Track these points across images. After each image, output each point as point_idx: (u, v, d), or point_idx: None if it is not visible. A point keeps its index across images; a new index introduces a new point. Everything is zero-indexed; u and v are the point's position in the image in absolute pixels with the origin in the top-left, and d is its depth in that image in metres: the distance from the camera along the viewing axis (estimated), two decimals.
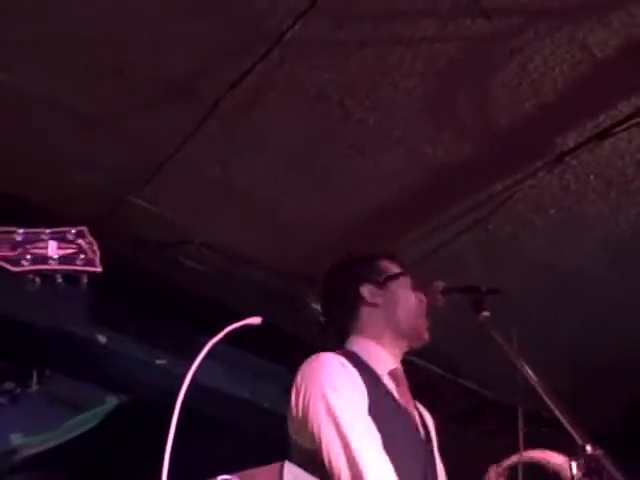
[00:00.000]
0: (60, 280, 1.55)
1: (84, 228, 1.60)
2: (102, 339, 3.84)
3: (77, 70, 2.88)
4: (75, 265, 1.55)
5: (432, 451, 2.17)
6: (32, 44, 2.79)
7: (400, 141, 3.10)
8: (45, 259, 1.52)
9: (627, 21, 2.60)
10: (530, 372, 1.88)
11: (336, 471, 1.87)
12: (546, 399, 1.80)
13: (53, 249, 1.53)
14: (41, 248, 1.53)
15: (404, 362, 2.29)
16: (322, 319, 2.59)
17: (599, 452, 1.66)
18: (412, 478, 1.91)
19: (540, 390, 1.83)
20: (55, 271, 1.54)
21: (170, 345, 4.03)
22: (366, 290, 2.27)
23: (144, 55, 2.81)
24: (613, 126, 2.97)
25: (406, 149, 3.14)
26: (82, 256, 1.56)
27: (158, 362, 4.04)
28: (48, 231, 1.55)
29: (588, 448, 1.67)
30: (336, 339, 2.29)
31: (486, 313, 2.08)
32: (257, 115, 3.05)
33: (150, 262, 3.79)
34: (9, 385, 3.76)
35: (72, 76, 2.91)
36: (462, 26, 2.63)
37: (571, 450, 1.72)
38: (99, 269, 1.57)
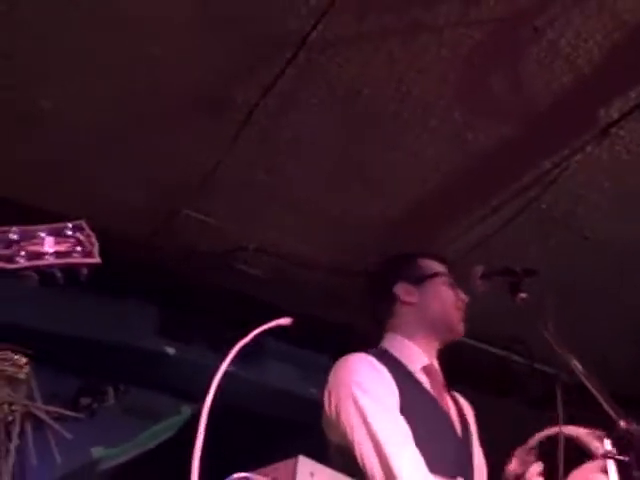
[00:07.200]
0: (59, 275, 1.50)
1: (82, 222, 1.55)
2: (170, 350, 3.94)
3: (115, 90, 2.97)
4: (72, 258, 1.50)
5: (469, 443, 2.15)
6: (71, 70, 2.90)
7: (438, 130, 3.07)
8: (41, 255, 1.49)
9: None
10: (566, 350, 1.85)
11: (369, 471, 1.90)
12: (581, 376, 1.77)
13: (49, 244, 1.50)
14: (37, 244, 1.49)
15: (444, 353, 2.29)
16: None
17: (634, 427, 1.62)
18: (446, 472, 1.91)
19: (575, 366, 1.79)
20: (52, 265, 1.50)
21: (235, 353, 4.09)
22: (401, 288, 2.29)
23: (175, 70, 2.88)
24: None
25: (445, 137, 3.11)
26: (79, 249, 1.51)
27: (227, 369, 4.12)
28: (44, 227, 1.52)
29: (622, 423, 1.62)
30: (375, 332, 2.30)
31: (523, 294, 2.05)
32: (293, 118, 3.08)
33: (209, 272, 3.87)
34: (86, 400, 3.90)
35: (110, 96, 3.00)
36: (485, 7, 2.59)
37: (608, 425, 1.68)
38: (97, 260, 1.50)
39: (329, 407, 2.04)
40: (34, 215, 3.37)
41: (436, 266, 2.37)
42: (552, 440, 2.01)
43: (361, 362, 2.09)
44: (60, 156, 3.22)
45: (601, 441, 1.87)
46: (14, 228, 1.50)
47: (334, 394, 2.03)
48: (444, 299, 2.27)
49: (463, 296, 2.31)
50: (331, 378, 2.09)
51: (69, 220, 1.54)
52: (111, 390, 4.04)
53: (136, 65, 2.85)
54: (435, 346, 2.26)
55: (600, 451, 1.79)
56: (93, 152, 3.21)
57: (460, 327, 2.26)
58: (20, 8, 2.63)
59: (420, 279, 2.30)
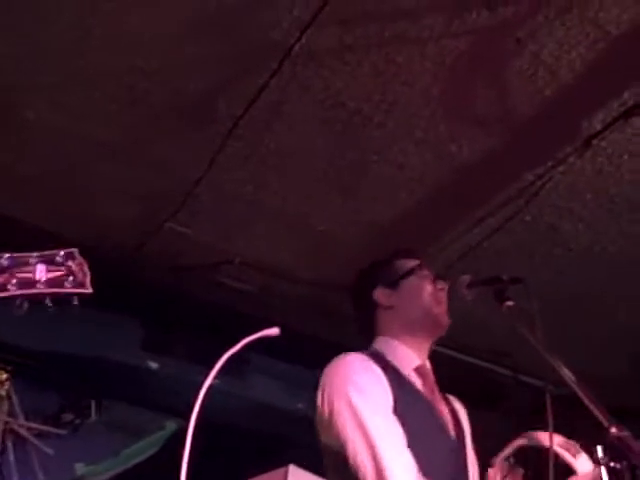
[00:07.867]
0: (50, 304, 1.51)
1: (74, 250, 1.55)
2: (153, 365, 3.91)
3: (99, 102, 2.96)
4: (64, 287, 1.51)
5: (463, 446, 2.14)
6: (57, 81, 2.90)
7: (423, 141, 3.07)
8: (32, 283, 1.49)
9: None
10: (554, 358, 1.84)
11: (361, 470, 1.88)
12: (570, 383, 1.76)
13: (41, 272, 1.50)
14: (28, 272, 1.49)
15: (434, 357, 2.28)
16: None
17: (625, 434, 1.61)
18: (439, 475, 1.89)
19: (564, 374, 1.79)
20: (43, 295, 1.51)
21: (222, 365, 4.07)
22: (379, 294, 2.28)
23: (160, 81, 2.88)
24: None
25: (430, 149, 3.11)
26: (71, 278, 1.52)
27: (213, 383, 4.09)
28: (36, 254, 1.52)
29: (613, 430, 1.62)
30: (364, 341, 2.29)
31: (509, 302, 2.04)
32: (278, 130, 3.07)
33: (193, 285, 3.85)
34: (68, 416, 3.86)
35: (95, 108, 2.99)
36: (468, 20, 2.60)
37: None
38: (89, 290, 1.53)
39: (322, 405, 2.02)
40: (14, 227, 3.37)
41: (410, 263, 2.34)
42: (534, 449, 2.01)
43: (356, 362, 2.07)
44: (42, 169, 3.20)
45: (579, 454, 1.89)
46: (5, 255, 1.50)
47: (327, 392, 2.01)
48: (421, 295, 2.24)
49: (442, 285, 2.26)
50: (325, 376, 2.05)
51: (60, 245, 1.54)
52: (94, 406, 3.99)
53: (121, 77, 2.84)
54: (426, 345, 2.24)
55: (576, 463, 1.82)
56: (76, 165, 3.19)
57: (443, 319, 2.22)
58: (5, 15, 2.62)
59: (396, 281, 2.28)
